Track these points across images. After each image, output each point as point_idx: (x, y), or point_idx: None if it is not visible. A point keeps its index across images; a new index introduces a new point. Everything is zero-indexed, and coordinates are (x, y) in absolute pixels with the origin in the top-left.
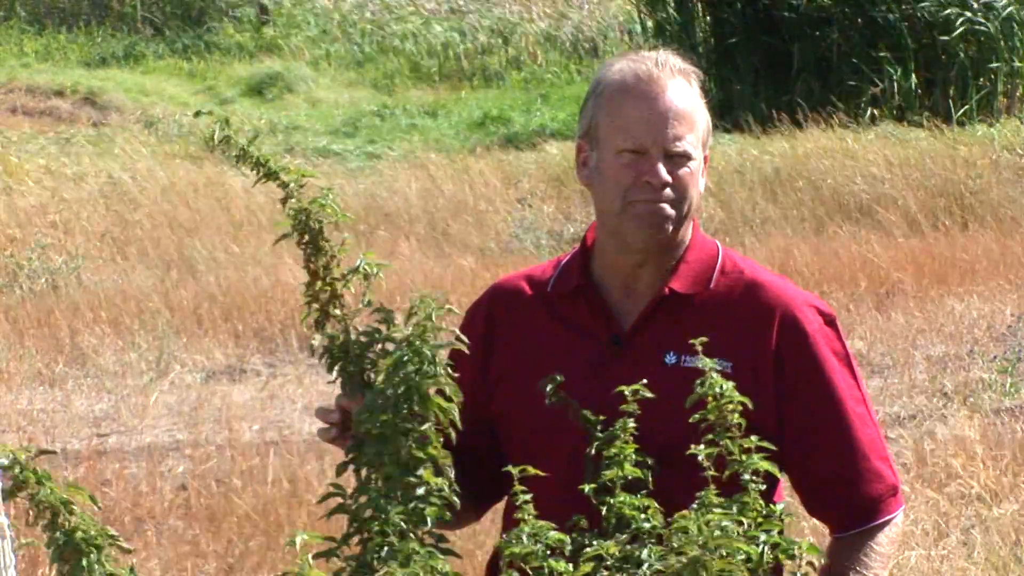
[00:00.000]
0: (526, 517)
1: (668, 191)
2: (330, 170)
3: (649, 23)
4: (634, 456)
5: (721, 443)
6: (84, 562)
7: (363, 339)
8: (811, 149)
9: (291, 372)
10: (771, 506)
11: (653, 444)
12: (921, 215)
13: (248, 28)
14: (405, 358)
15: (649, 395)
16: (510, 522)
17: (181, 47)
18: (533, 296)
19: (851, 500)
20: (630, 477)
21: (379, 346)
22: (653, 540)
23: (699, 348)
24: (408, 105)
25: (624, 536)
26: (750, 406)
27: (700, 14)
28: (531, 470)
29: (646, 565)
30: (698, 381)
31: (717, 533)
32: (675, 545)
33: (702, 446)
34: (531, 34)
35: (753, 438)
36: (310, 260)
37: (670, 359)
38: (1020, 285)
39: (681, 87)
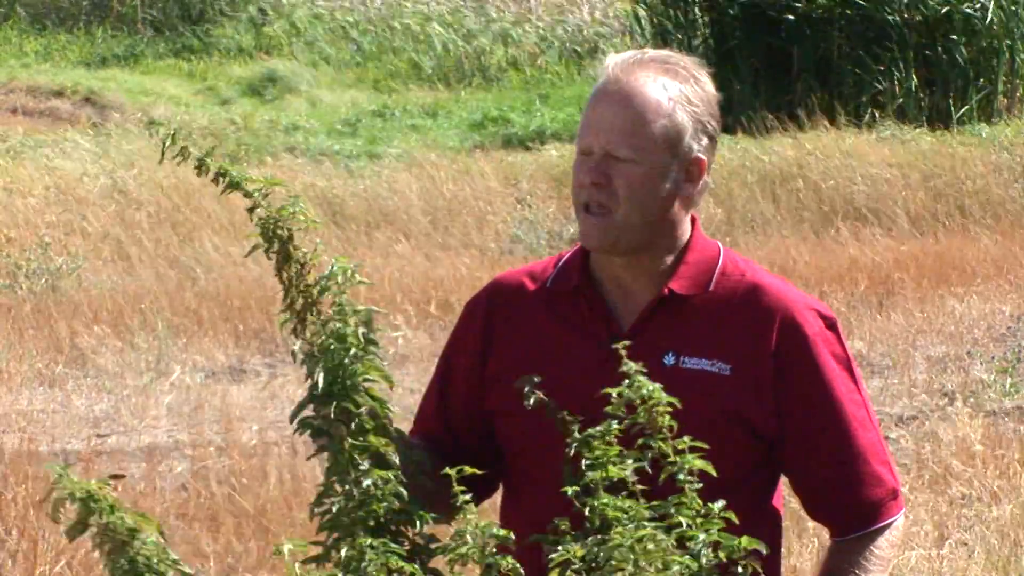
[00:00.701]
0: (468, 515)
1: (601, 194)
2: (330, 170)
3: (649, 23)
4: (618, 458)
5: (654, 446)
6: None
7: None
8: (811, 150)
9: (291, 372)
10: (709, 505)
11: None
12: (921, 215)
13: (248, 28)
14: (331, 346)
15: (635, 396)
16: (505, 518)
17: (181, 47)
18: (533, 293)
19: (851, 504)
20: (615, 479)
21: (360, 348)
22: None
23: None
24: (408, 105)
25: (591, 540)
26: (679, 406)
27: (700, 15)
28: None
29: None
30: (624, 383)
31: (651, 547)
32: (613, 564)
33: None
34: (531, 34)
35: (686, 438)
36: (281, 269)
37: (669, 360)
38: (1020, 285)
39: (646, 84)
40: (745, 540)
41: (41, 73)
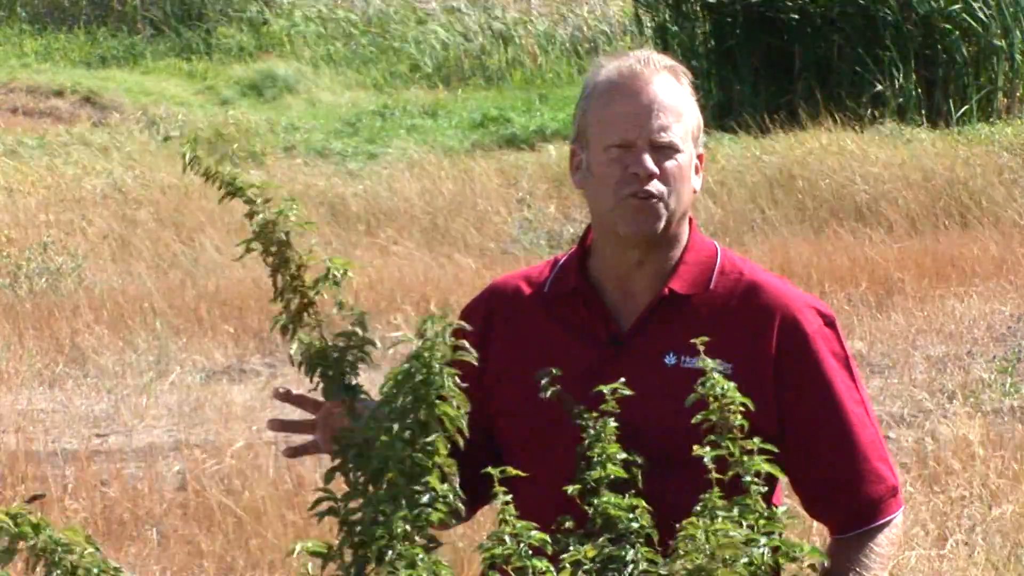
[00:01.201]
0: (507, 517)
1: (656, 183)
2: (330, 170)
3: (649, 24)
4: (621, 456)
5: (723, 444)
6: None
7: (340, 343)
8: (811, 149)
9: (291, 372)
10: (773, 508)
11: (652, 445)
12: (921, 215)
13: (248, 28)
14: (412, 370)
15: (628, 392)
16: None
17: (181, 47)
18: (531, 296)
19: (851, 501)
20: (613, 477)
21: (356, 349)
22: (641, 540)
23: (700, 348)
24: (408, 105)
25: (602, 539)
26: (751, 408)
27: (700, 15)
28: (510, 471)
29: (632, 566)
30: (700, 381)
31: (724, 540)
32: (681, 552)
33: (707, 447)
34: (531, 34)
35: (756, 440)
36: (277, 272)
37: (669, 360)
38: (1020, 285)
39: (667, 82)
40: (807, 547)
41: (41, 73)
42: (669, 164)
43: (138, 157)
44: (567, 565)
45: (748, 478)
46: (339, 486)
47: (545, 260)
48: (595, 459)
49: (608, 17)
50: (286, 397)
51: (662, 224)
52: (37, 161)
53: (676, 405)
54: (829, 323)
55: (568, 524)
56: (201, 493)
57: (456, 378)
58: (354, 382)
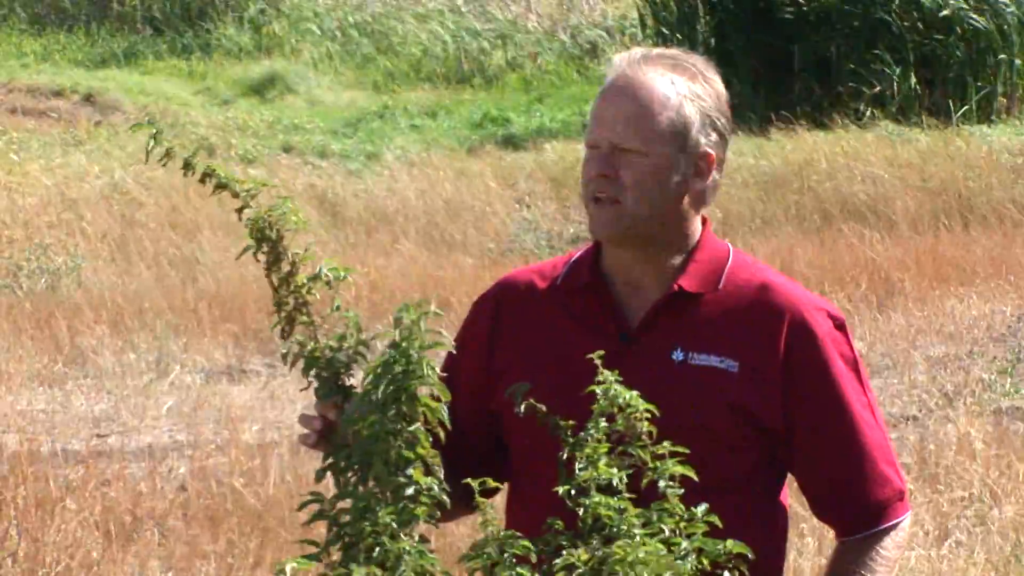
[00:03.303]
0: (490, 527)
1: (611, 186)
2: (330, 170)
3: (649, 23)
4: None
5: (633, 453)
6: None
7: (333, 344)
8: (811, 149)
9: (291, 372)
10: (692, 509)
11: (658, 441)
12: (921, 215)
13: (248, 28)
14: (392, 360)
15: (648, 405)
16: (510, 517)
17: (181, 47)
18: (542, 291)
19: (858, 504)
20: (603, 478)
21: (351, 350)
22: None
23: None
24: (408, 105)
25: (594, 542)
26: (657, 414)
27: (700, 14)
28: (490, 483)
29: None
30: (598, 395)
31: (663, 560)
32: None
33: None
34: (531, 34)
35: (666, 444)
36: (271, 270)
37: (677, 356)
38: (1020, 285)
39: (650, 80)
40: (730, 543)
41: (41, 73)
42: (628, 168)
43: (138, 157)
44: (560, 570)
45: (662, 483)
46: (329, 487)
47: (559, 256)
48: (586, 459)
49: (608, 17)
50: (316, 442)
51: (621, 227)
52: (37, 161)
53: (682, 401)
54: (839, 325)
55: (553, 524)
56: (202, 493)
57: (435, 367)
58: (348, 383)
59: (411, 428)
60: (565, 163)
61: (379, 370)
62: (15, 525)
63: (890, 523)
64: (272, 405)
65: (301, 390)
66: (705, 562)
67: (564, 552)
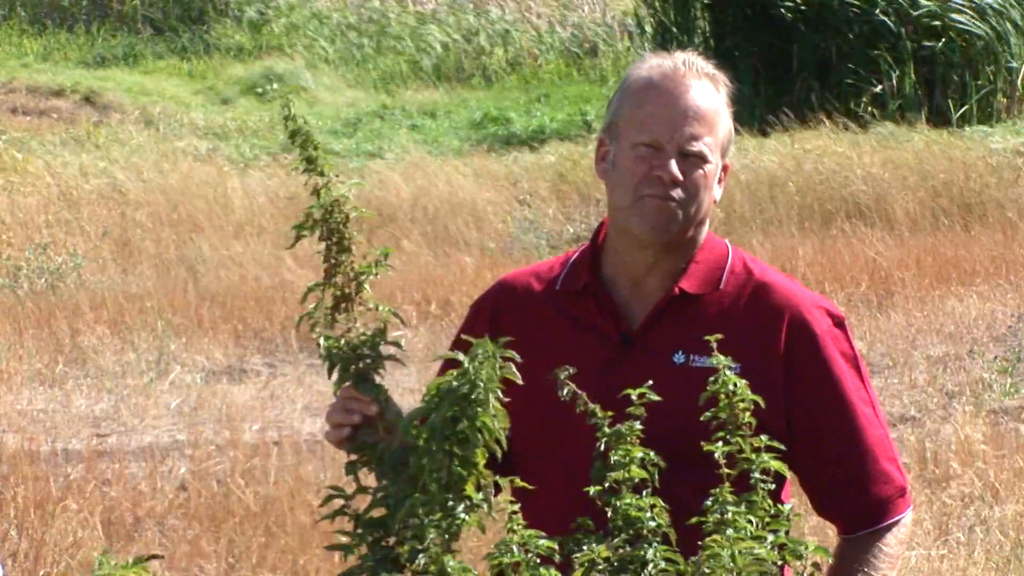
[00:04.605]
0: (515, 527)
1: (678, 190)
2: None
3: (649, 23)
4: (640, 457)
5: (732, 441)
6: None
7: (376, 338)
8: (811, 150)
9: (291, 372)
10: (779, 506)
11: (660, 443)
12: (921, 215)
13: (248, 28)
14: (457, 384)
15: (656, 398)
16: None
17: (181, 47)
18: (541, 293)
19: (859, 501)
20: (636, 480)
21: (386, 347)
22: (658, 539)
23: (713, 344)
24: (408, 105)
25: (617, 540)
26: (762, 405)
27: (700, 14)
28: (518, 482)
29: (651, 565)
30: (711, 379)
31: (748, 561)
32: (706, 571)
33: (718, 443)
34: (531, 34)
35: (763, 437)
36: (331, 255)
37: (679, 358)
38: (1020, 285)
39: (705, 89)
40: (812, 544)
41: (41, 73)
42: (695, 173)
43: (138, 157)
44: (583, 564)
45: (756, 475)
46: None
47: (556, 257)
48: (618, 461)
49: (608, 17)
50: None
51: (675, 229)
52: (37, 161)
53: (684, 404)
54: (838, 323)
55: (584, 524)
56: (202, 493)
57: (500, 394)
58: (378, 380)
59: (469, 451)
60: (566, 163)
61: (443, 390)
62: (15, 525)
63: (892, 520)
64: (272, 405)
65: (335, 382)
66: (788, 558)
67: (584, 548)
